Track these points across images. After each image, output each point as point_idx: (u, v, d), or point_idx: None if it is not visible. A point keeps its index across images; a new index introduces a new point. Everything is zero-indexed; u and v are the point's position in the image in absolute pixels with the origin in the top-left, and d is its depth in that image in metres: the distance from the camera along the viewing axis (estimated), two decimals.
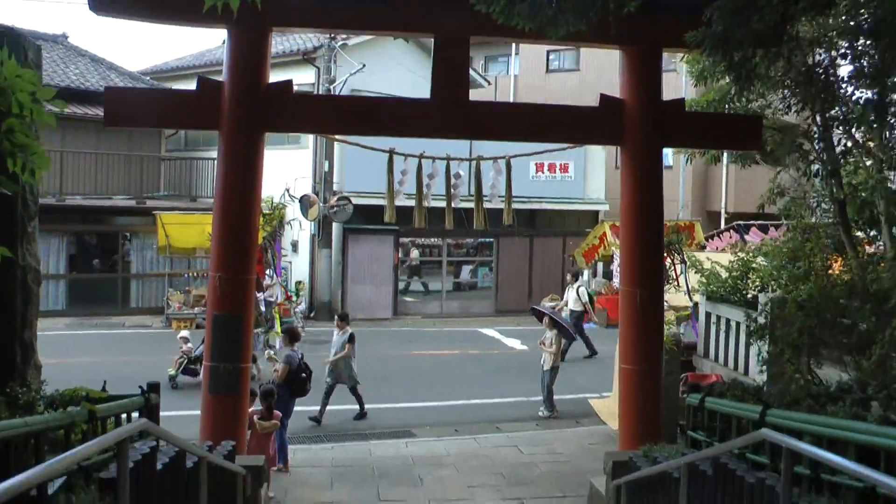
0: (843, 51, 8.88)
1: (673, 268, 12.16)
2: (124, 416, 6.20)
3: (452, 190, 9.78)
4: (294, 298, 9.68)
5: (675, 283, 12.72)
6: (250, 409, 10.07)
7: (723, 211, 29.36)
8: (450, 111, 8.69)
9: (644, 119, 9.17)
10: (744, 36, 6.21)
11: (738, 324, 13.04)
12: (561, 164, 26.30)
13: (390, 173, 9.44)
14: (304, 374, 10.87)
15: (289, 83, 8.64)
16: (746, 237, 22.87)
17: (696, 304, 12.69)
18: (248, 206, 8.66)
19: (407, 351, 19.98)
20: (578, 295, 20.10)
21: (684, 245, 11.90)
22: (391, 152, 9.38)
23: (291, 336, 10.92)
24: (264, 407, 10.04)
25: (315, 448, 12.15)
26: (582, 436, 13.16)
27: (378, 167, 21.73)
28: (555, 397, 14.48)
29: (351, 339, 13.34)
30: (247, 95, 8.48)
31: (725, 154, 29.87)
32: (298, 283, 10.06)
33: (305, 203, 23.74)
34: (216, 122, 8.49)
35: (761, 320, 10.12)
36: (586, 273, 26.15)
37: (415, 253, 27.75)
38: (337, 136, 11.01)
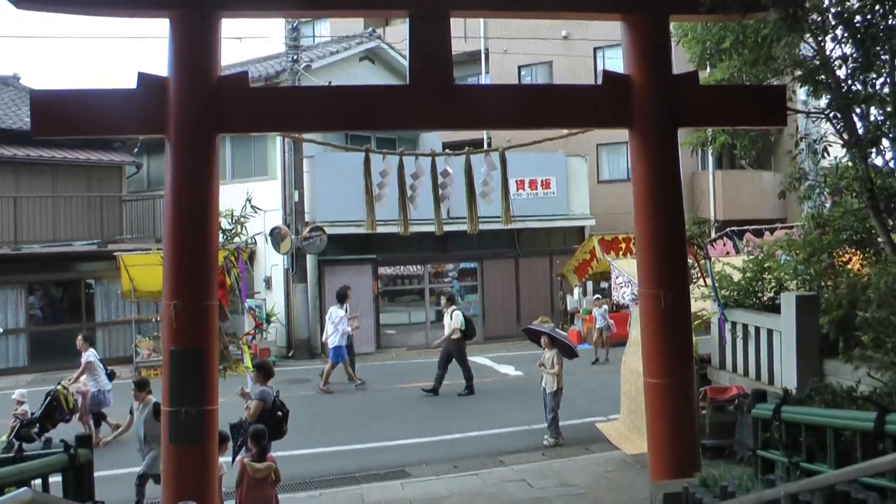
0: None
1: (696, 266, 10.99)
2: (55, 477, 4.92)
3: (441, 190, 8.54)
4: (265, 327, 8.28)
5: (702, 282, 11.53)
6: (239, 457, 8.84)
7: (712, 219, 28.42)
8: (432, 96, 7.50)
9: (654, 96, 8.03)
10: None
11: (757, 329, 11.96)
12: (542, 180, 25.26)
13: (367, 176, 8.19)
14: (279, 414, 9.54)
15: (244, 74, 7.45)
16: (740, 243, 21.89)
17: (725, 305, 11.49)
18: (203, 221, 7.41)
19: (394, 385, 18.70)
20: (452, 318, 18.03)
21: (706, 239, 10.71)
22: (367, 150, 8.14)
23: (265, 371, 9.57)
24: (257, 450, 8.74)
25: (301, 497, 10.84)
26: (595, 463, 11.92)
27: (351, 193, 20.38)
28: (560, 423, 13.28)
29: (156, 410, 9.93)
30: (196, 91, 7.26)
31: (711, 159, 29.50)
32: (268, 312, 8.76)
33: (277, 236, 22.57)
34: (162, 125, 7.27)
35: None
36: (577, 291, 25.01)
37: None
38: (304, 136, 9.79)
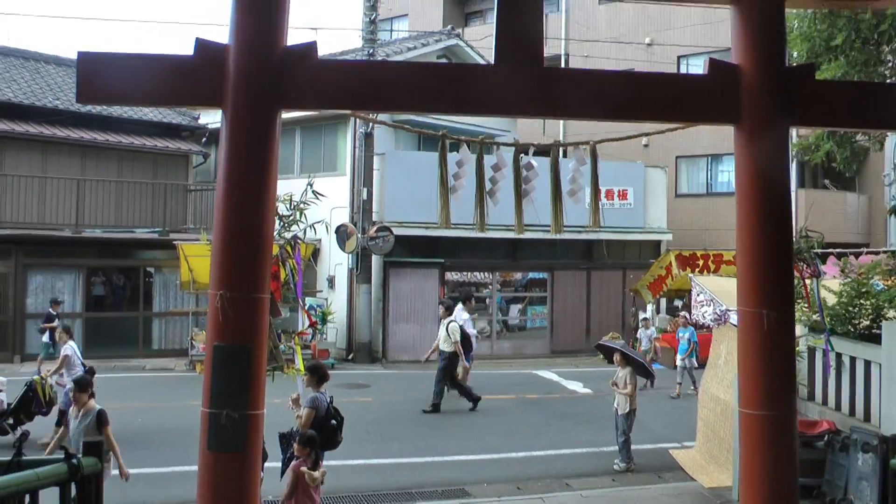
0: None
1: (802, 284, 9.94)
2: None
3: (524, 185, 7.67)
4: (320, 327, 7.45)
5: (806, 302, 10.48)
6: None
7: (794, 239, 27.02)
8: (519, 77, 6.65)
9: (765, 89, 7.03)
10: None
11: (853, 359, 10.90)
12: (619, 191, 24.28)
13: (443, 164, 7.37)
14: (333, 422, 8.76)
15: (312, 45, 6.68)
16: (823, 268, 20.57)
17: (830, 331, 10.43)
18: (259, 205, 6.64)
19: (456, 396, 17.85)
20: (449, 333, 16.74)
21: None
22: (443, 136, 7.31)
23: (318, 375, 8.79)
24: (307, 457, 8.05)
25: None
26: (670, 494, 10.95)
27: (421, 193, 19.67)
28: (631, 447, 12.35)
29: (100, 419, 8.89)
30: (258, 61, 6.49)
31: (794, 177, 28.11)
32: (325, 309, 7.89)
33: (343, 234, 21.96)
34: (219, 97, 6.51)
35: None
36: (650, 308, 23.94)
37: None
38: (372, 115, 9.02)
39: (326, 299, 22.81)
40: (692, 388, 17.67)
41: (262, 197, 6.67)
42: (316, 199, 7.26)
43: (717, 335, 13.21)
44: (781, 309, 7.16)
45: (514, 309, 25.92)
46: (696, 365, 18.21)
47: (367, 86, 6.75)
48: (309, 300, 22.40)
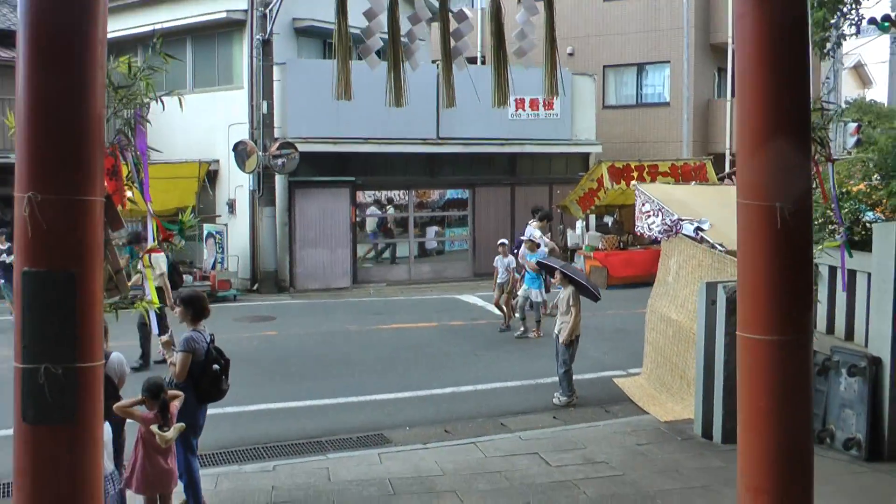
0: None
1: (815, 170, 8.21)
2: None
3: (453, 41, 5.76)
4: (177, 240, 5.53)
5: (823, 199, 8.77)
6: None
7: (727, 152, 25.91)
8: None
9: None
10: None
11: (831, 269, 9.52)
12: (545, 100, 22.50)
13: (342, 15, 5.38)
14: (216, 367, 6.85)
15: None
16: None
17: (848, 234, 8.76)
18: (80, 65, 4.65)
19: (372, 325, 16.11)
20: (153, 263, 13.62)
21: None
22: None
23: (194, 309, 6.81)
24: (156, 408, 6.28)
25: (248, 470, 8.28)
26: (623, 432, 9.46)
27: (327, 105, 17.42)
28: (573, 378, 10.82)
29: None
30: None
31: (729, 86, 26.85)
32: (182, 220, 6.07)
33: (242, 153, 19.89)
34: None
35: None
36: (579, 225, 22.46)
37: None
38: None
39: (226, 225, 20.68)
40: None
41: (85, 54, 4.68)
42: (165, 61, 5.21)
43: (667, 248, 11.70)
44: (798, 201, 5.51)
45: (432, 231, 24.15)
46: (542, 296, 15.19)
47: None
48: (207, 227, 20.31)
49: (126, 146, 4.81)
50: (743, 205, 5.58)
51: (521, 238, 16.28)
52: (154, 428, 6.21)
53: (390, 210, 23.24)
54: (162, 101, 5.06)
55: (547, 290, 14.87)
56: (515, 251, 16.25)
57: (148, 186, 4.93)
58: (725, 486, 7.47)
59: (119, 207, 4.91)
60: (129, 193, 5.02)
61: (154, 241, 5.38)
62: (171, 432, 6.28)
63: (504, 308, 15.46)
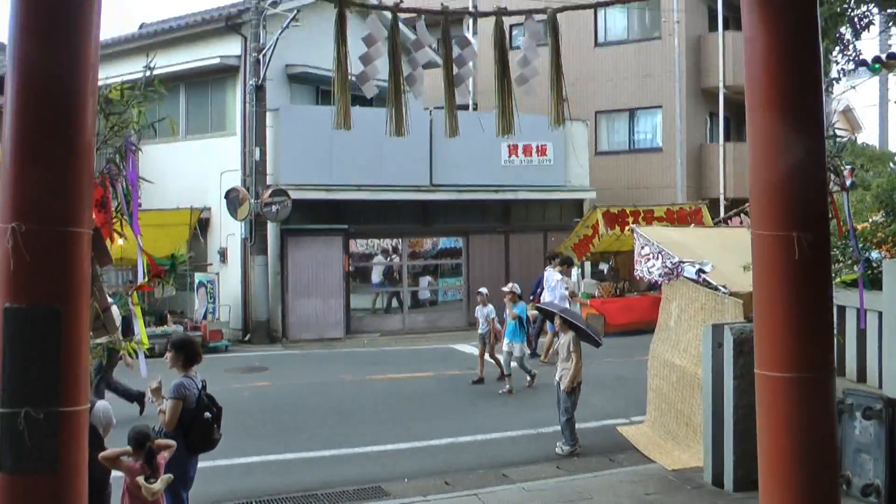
0: None
1: (831, 200, 7.95)
2: None
3: (456, 68, 5.55)
4: (168, 277, 5.22)
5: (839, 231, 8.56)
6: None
7: (721, 197, 25.79)
8: None
9: None
10: None
11: (840, 309, 9.28)
12: (538, 146, 22.39)
13: (341, 41, 5.14)
14: (207, 415, 6.52)
15: None
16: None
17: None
18: (71, 89, 4.44)
19: (367, 375, 15.75)
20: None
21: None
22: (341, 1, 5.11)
23: (186, 353, 6.48)
24: (142, 458, 5.95)
25: None
26: (630, 481, 9.12)
27: (320, 152, 17.35)
28: (576, 426, 10.50)
29: None
30: None
31: (721, 131, 26.81)
32: (175, 254, 5.76)
33: (234, 200, 19.67)
34: None
35: None
36: (574, 272, 22.22)
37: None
38: None
39: (217, 274, 20.38)
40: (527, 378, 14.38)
41: (75, 79, 4.45)
42: (163, 90, 4.98)
43: (668, 292, 11.43)
44: (817, 231, 5.29)
45: (425, 281, 23.87)
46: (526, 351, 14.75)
47: None
48: (199, 276, 20.02)
49: (116, 176, 4.56)
50: (759, 236, 5.35)
51: (543, 285, 16.46)
52: (140, 479, 5.88)
53: (395, 259, 23.00)
54: (154, 127, 4.81)
55: (529, 344, 14.34)
56: (533, 297, 16.48)
57: (137, 219, 4.66)
58: None
59: (108, 242, 4.64)
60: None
61: (144, 277, 5.10)
62: (158, 484, 5.95)
63: (493, 358, 14.90)
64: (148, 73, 4.95)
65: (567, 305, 16.00)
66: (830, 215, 7.25)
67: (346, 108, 5.12)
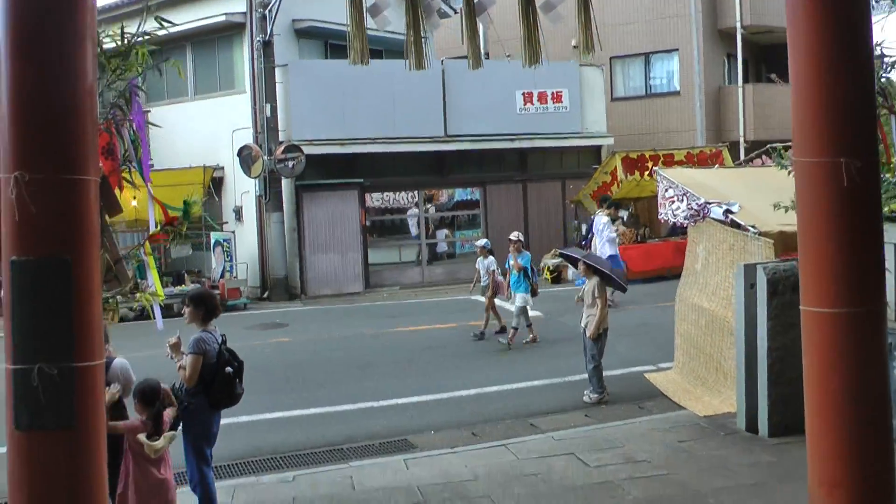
0: None
1: (879, 128, 7.58)
2: None
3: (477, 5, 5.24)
4: (181, 220, 5.03)
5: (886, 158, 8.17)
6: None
7: (741, 139, 25.33)
8: None
9: None
10: None
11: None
12: (553, 93, 21.99)
13: None
14: (229, 370, 6.32)
15: None
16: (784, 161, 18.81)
17: None
18: (69, 31, 4.18)
19: (389, 328, 15.59)
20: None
21: None
22: None
23: (205, 307, 6.27)
24: (148, 415, 5.75)
25: (266, 481, 7.76)
26: (661, 429, 8.88)
27: (332, 106, 16.98)
28: (603, 374, 10.30)
29: None
30: None
31: (739, 73, 26.29)
32: (187, 201, 5.57)
33: (247, 158, 19.44)
34: None
35: None
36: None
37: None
38: None
39: (233, 232, 20.21)
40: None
41: (72, 21, 4.20)
42: (161, 25, 4.70)
43: (694, 234, 11.14)
44: (865, 156, 4.99)
45: (441, 234, 23.65)
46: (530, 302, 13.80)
47: None
48: (215, 235, 19.84)
49: (122, 121, 4.30)
50: (802, 164, 5.04)
51: (592, 231, 16.60)
52: (141, 437, 5.67)
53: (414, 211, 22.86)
54: (160, 69, 4.54)
55: (534, 294, 13.87)
56: (584, 243, 16.88)
57: (148, 165, 4.42)
58: (780, 483, 6.96)
59: (116, 191, 4.40)
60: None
61: (156, 226, 4.86)
62: (161, 441, 5.75)
63: (491, 311, 14.38)
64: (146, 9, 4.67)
65: (614, 248, 16.49)
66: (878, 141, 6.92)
67: (363, 43, 4.84)
